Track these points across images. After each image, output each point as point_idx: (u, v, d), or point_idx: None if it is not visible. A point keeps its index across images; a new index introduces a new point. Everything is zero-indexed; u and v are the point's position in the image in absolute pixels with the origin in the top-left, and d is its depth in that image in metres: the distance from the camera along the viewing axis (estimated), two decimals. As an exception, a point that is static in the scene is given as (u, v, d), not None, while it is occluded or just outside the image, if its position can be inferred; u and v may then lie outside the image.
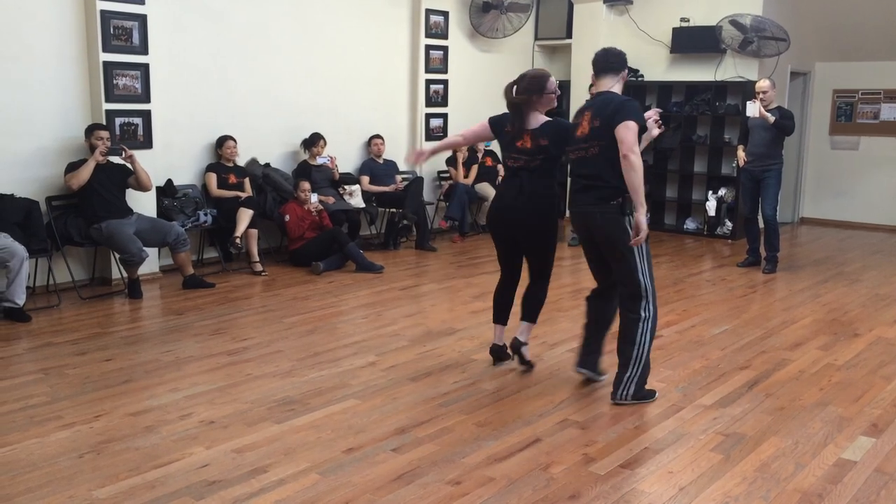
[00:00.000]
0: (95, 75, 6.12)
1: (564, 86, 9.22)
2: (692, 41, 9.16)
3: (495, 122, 4.35)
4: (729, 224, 9.11)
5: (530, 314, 4.43)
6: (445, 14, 8.96)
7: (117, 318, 5.48)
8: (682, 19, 9.22)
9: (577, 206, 4.01)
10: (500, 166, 8.50)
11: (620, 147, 3.72)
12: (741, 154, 7.36)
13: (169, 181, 6.68)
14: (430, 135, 8.99)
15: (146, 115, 6.40)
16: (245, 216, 6.73)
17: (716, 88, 9.18)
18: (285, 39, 7.58)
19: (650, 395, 4.04)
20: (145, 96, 6.36)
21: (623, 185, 3.76)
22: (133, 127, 6.34)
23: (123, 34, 6.17)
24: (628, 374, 3.92)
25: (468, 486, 3.08)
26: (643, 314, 3.88)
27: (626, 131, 3.72)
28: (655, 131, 4.15)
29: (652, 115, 4.15)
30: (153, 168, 6.27)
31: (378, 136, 8.26)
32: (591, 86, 4.37)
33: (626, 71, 4.08)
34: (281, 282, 6.57)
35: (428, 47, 8.81)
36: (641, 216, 3.72)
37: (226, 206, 6.82)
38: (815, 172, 10.44)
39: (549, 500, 2.99)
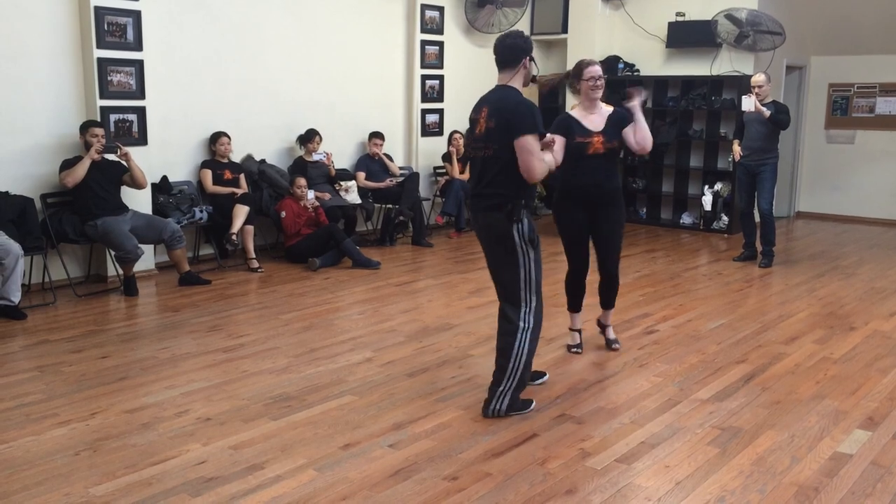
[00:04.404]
0: (90, 72, 6.10)
1: (561, 81, 9.21)
2: (688, 35, 9.16)
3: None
4: (725, 218, 9.12)
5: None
6: (441, 9, 8.95)
7: (113, 316, 5.47)
8: (678, 14, 9.22)
9: (474, 209, 3.73)
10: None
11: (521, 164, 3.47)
12: (737, 149, 7.36)
13: (164, 178, 6.66)
14: (426, 130, 8.98)
15: (141, 112, 6.38)
16: (241, 212, 6.72)
17: (711, 83, 9.18)
18: (280, 35, 7.56)
19: (526, 405, 3.78)
20: (140, 93, 6.34)
21: (515, 192, 3.53)
22: (128, 124, 6.32)
23: (118, 30, 6.15)
24: (502, 388, 3.66)
25: (465, 482, 3.08)
26: (521, 324, 3.61)
27: (525, 154, 3.44)
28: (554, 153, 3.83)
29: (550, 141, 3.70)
30: (148, 165, 6.26)
31: (378, 136, 8.18)
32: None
33: (528, 59, 3.62)
34: (277, 278, 6.56)
35: (423, 42, 8.79)
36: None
37: (221, 202, 6.81)
38: (810, 166, 10.45)
39: (545, 495, 2.99)
